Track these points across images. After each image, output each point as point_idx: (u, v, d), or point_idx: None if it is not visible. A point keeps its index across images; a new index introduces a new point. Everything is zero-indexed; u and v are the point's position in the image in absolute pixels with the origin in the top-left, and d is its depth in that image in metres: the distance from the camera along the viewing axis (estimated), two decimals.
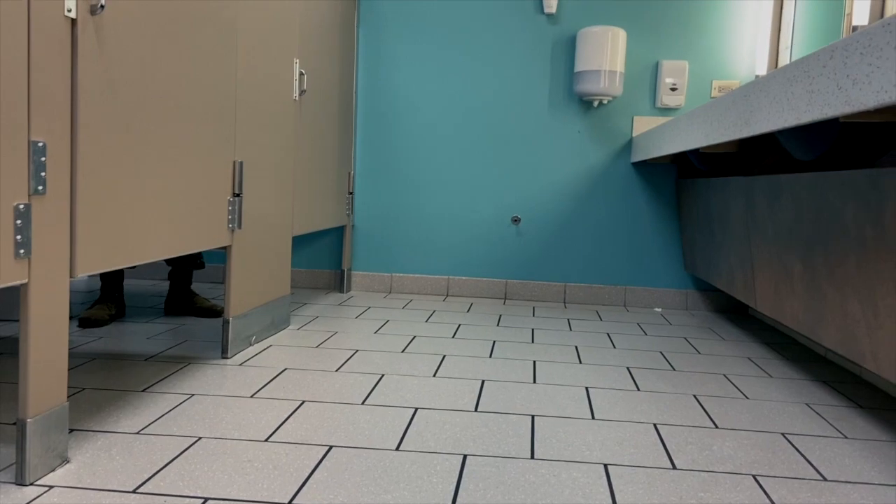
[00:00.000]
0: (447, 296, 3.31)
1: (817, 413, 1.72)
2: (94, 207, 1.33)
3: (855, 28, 2.11)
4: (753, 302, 2.20)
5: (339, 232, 3.40)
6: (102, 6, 1.29)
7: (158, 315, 2.61)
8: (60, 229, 1.23)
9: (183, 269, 2.63)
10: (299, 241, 3.43)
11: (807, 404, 1.79)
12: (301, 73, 2.45)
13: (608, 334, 2.58)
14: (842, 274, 1.52)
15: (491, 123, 3.24)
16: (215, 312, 2.58)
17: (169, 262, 2.64)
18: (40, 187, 1.17)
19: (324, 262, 3.42)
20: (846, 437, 1.55)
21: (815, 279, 1.67)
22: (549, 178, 3.24)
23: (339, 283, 3.34)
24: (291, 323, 2.54)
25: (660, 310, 3.18)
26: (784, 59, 2.83)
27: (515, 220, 3.27)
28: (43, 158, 1.17)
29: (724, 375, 2.05)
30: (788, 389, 1.92)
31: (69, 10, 1.23)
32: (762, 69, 2.96)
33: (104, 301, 2.45)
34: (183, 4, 1.62)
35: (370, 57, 3.27)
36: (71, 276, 1.28)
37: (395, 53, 3.26)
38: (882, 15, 2.07)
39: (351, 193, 3.28)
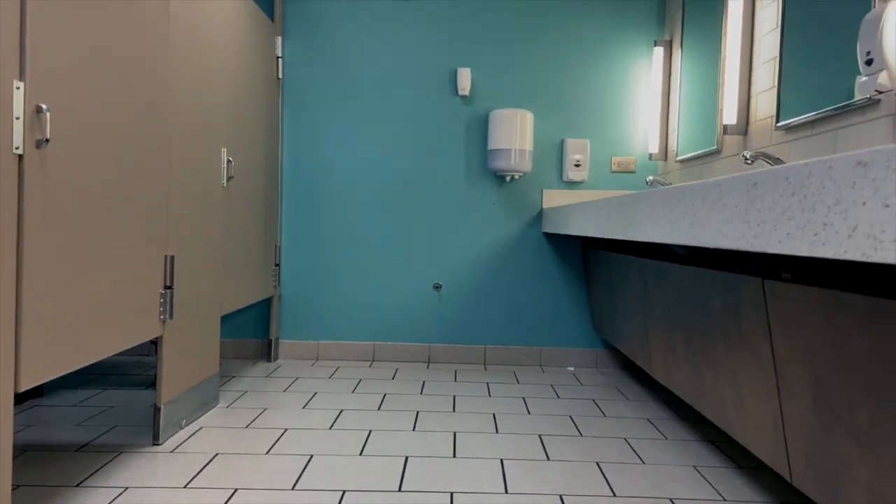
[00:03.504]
0: (373, 361, 3.44)
1: (702, 475, 1.94)
2: (39, 323, 1.42)
3: (726, 128, 2.41)
4: (650, 369, 2.44)
5: (265, 302, 3.49)
6: (47, 140, 1.40)
7: (82, 383, 2.63)
8: (6, 348, 1.32)
9: None
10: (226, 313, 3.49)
11: (694, 467, 2.01)
12: (229, 161, 2.58)
13: (524, 399, 2.77)
14: (714, 358, 1.76)
15: (412, 195, 3.44)
16: None
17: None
18: None
19: (251, 331, 3.49)
20: (725, 500, 1.77)
21: (695, 359, 1.91)
22: (468, 246, 3.45)
23: (267, 352, 3.43)
24: (220, 400, 2.62)
25: (572, 369, 3.40)
26: (672, 141, 3.16)
27: (437, 287, 3.45)
28: None
29: (626, 440, 2.26)
30: (680, 451, 2.15)
31: (17, 148, 1.34)
32: (654, 148, 3.27)
33: None
34: (121, 121, 1.74)
35: (294, 134, 3.42)
36: (15, 391, 1.36)
37: (318, 130, 3.42)
38: (747, 118, 2.38)
39: (277, 265, 3.39)
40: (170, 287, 2.07)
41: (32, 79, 1.37)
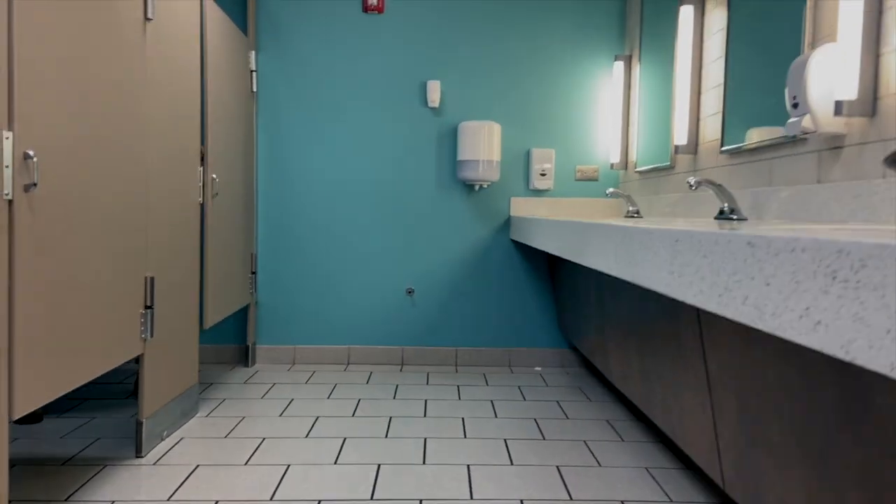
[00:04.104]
0: (348, 364, 3.56)
1: (653, 477, 2.10)
2: (30, 355, 1.52)
3: (677, 147, 2.55)
4: (609, 374, 2.59)
5: (243, 308, 3.58)
6: (35, 184, 1.49)
7: (67, 403, 2.72)
8: (0, 379, 1.42)
9: None
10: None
11: (646, 468, 2.17)
12: (213, 178, 2.67)
13: (492, 402, 2.91)
14: (660, 371, 1.91)
15: (385, 204, 3.55)
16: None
17: None
18: None
19: (229, 337, 3.59)
20: (671, 501, 1.93)
21: (646, 370, 2.06)
22: (439, 252, 3.57)
23: (245, 357, 3.53)
24: (200, 409, 2.72)
25: (539, 369, 3.55)
26: (632, 152, 3.30)
27: (410, 292, 3.58)
28: None
29: (585, 442, 2.41)
30: (634, 453, 2.30)
31: (6, 194, 1.43)
32: (615, 158, 3.42)
33: None
34: (102, 156, 1.83)
35: (269, 145, 3.51)
36: (10, 419, 1.46)
37: (292, 141, 3.51)
38: (697, 139, 2.53)
39: (254, 273, 3.48)
40: (150, 307, 2.17)
41: (20, 128, 1.46)
